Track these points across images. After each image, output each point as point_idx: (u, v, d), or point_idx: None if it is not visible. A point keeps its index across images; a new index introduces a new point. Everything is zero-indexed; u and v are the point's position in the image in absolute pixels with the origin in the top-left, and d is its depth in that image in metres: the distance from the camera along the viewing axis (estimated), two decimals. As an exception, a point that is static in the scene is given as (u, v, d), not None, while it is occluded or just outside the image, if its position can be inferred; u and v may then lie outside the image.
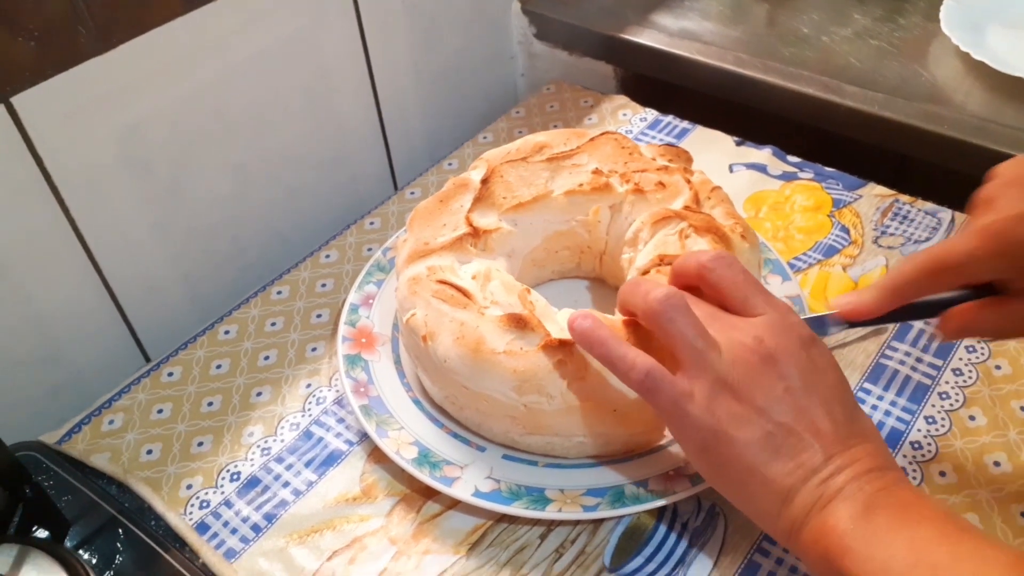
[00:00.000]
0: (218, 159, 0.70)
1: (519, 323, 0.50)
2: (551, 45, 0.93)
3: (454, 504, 0.52)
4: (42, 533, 0.52)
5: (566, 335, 0.49)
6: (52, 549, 0.49)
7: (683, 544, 0.50)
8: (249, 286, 0.70)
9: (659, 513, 0.52)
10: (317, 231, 0.76)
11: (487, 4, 0.90)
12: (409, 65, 0.83)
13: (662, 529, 0.51)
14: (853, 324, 0.49)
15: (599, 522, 0.51)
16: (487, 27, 0.91)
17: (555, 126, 0.84)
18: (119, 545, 0.52)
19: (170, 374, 0.63)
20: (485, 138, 0.84)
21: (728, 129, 0.80)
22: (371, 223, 0.74)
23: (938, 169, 0.72)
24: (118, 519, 0.53)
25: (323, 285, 0.69)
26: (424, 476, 0.51)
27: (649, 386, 0.44)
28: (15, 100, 0.55)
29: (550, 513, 0.49)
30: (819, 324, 0.51)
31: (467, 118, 0.92)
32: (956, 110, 0.72)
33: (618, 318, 0.50)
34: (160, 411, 0.60)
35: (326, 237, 0.74)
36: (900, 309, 0.48)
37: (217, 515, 0.54)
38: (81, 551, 0.51)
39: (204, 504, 0.54)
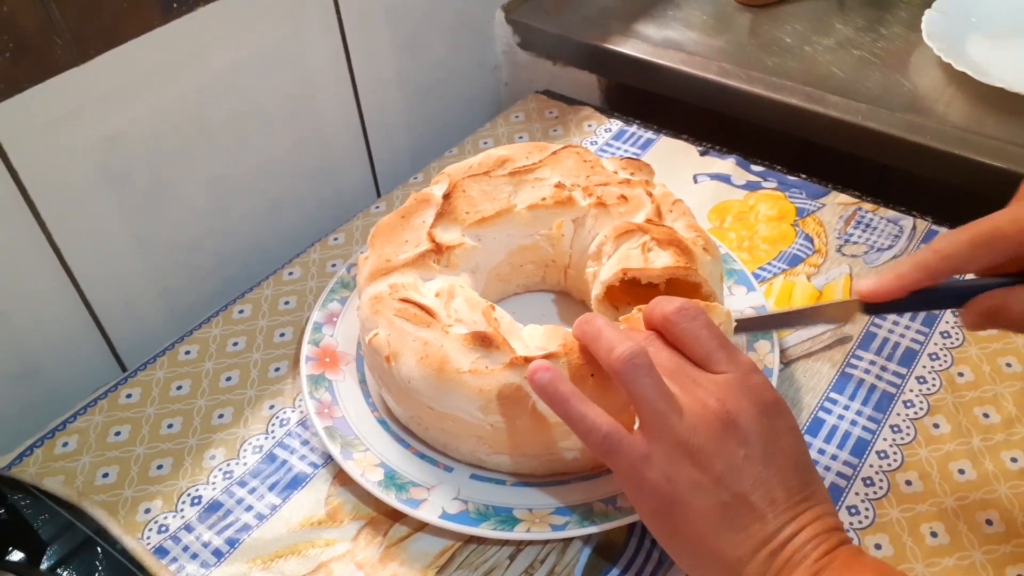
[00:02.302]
0: (198, 171, 0.69)
1: (484, 341, 0.49)
2: (535, 55, 0.93)
3: (422, 526, 0.52)
4: (18, 555, 0.51)
5: (532, 352, 0.49)
6: (27, 573, 0.48)
7: (653, 560, 0.50)
8: (230, 300, 0.69)
9: (629, 530, 0.51)
10: (299, 243, 0.75)
11: (471, 13, 0.90)
12: (392, 75, 0.83)
13: (632, 546, 0.51)
14: (880, 310, 0.46)
15: (569, 541, 0.51)
16: (471, 36, 0.91)
17: (520, 137, 0.84)
18: (98, 564, 0.51)
19: (128, 396, 0.61)
20: (450, 151, 0.83)
21: (710, 139, 0.81)
22: (335, 239, 0.73)
23: (920, 179, 0.73)
24: (95, 540, 0.52)
25: (286, 303, 0.67)
26: (390, 499, 0.51)
27: (607, 448, 0.44)
28: (-11, 113, 0.54)
29: (518, 533, 0.49)
30: (841, 310, 0.49)
31: (451, 128, 0.92)
32: (938, 120, 0.73)
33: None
34: (117, 433, 0.59)
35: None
36: (928, 293, 0.45)
37: (176, 539, 0.52)
38: (58, 572, 0.50)
39: (163, 528, 0.53)
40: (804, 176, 0.76)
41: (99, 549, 0.52)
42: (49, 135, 0.58)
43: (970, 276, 0.46)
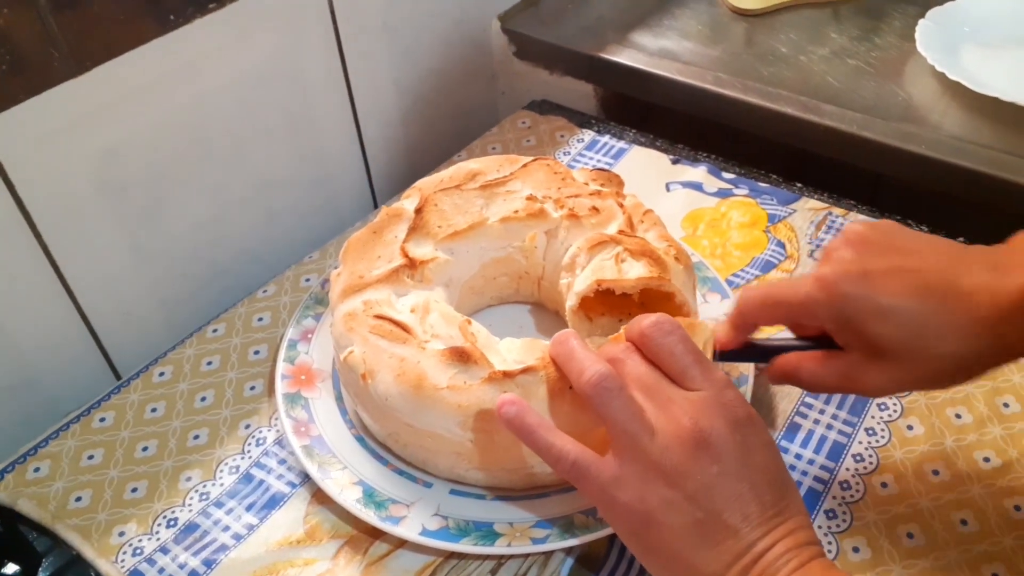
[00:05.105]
0: (196, 182, 0.69)
1: (461, 356, 0.49)
2: (531, 64, 0.93)
3: (402, 543, 0.51)
4: (13, 568, 0.51)
5: (510, 366, 0.49)
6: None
7: (635, 570, 0.50)
8: (225, 310, 0.68)
9: (610, 541, 0.51)
10: (296, 253, 0.75)
11: (467, 23, 0.90)
12: (389, 85, 0.83)
13: (613, 556, 0.51)
14: (724, 359, 0.51)
15: (550, 553, 0.51)
16: (467, 46, 0.91)
17: (493, 149, 0.84)
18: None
19: (102, 419, 0.60)
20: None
21: (705, 148, 0.81)
22: (309, 255, 0.73)
23: (915, 188, 0.73)
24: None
25: (259, 319, 0.67)
26: (369, 516, 0.50)
27: (576, 475, 0.44)
28: (-14, 125, 0.54)
29: (499, 548, 0.49)
30: None
31: (448, 137, 0.92)
32: (932, 129, 0.73)
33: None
34: (91, 457, 0.58)
35: (304, 260, 0.73)
36: (749, 348, 0.50)
37: (152, 562, 0.52)
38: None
39: (137, 551, 0.52)
40: (775, 177, 0.77)
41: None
42: (46, 147, 0.58)
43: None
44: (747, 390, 0.56)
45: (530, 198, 0.60)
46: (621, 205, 0.59)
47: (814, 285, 0.45)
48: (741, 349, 0.50)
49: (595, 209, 0.58)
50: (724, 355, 0.50)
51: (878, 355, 0.44)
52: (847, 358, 0.46)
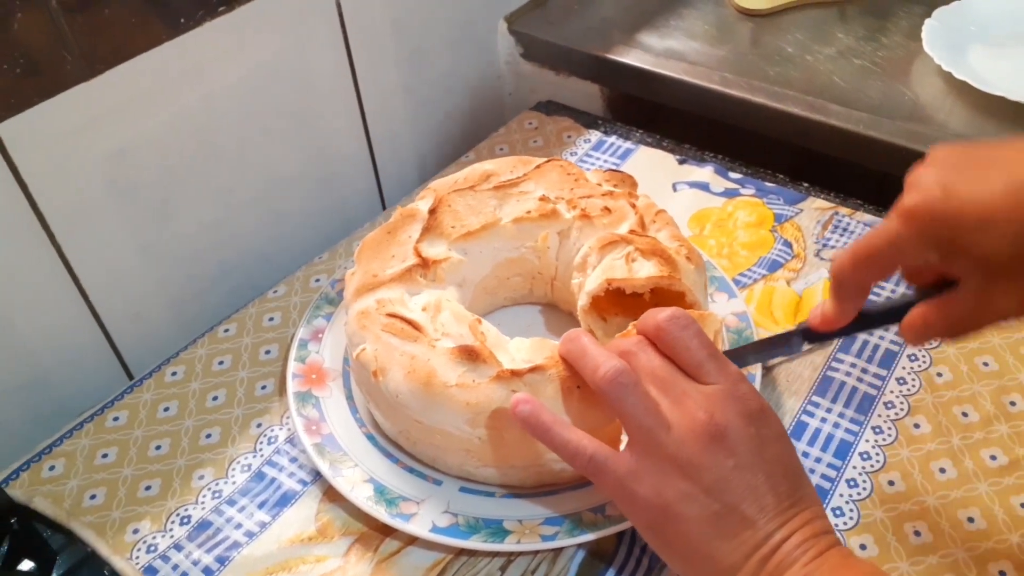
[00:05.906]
0: (205, 184, 0.69)
1: (470, 355, 0.50)
2: (538, 65, 0.93)
3: (412, 540, 0.52)
4: (29, 565, 0.51)
5: (518, 365, 0.49)
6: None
7: (643, 567, 0.50)
8: (235, 311, 0.69)
9: (619, 537, 0.52)
10: (305, 254, 0.75)
11: (474, 24, 0.90)
12: (397, 86, 0.83)
13: (622, 553, 0.51)
14: (822, 338, 0.48)
15: (560, 550, 0.51)
16: (474, 47, 0.92)
17: (500, 149, 0.84)
18: (106, 573, 0.51)
19: (115, 419, 0.61)
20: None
21: (711, 147, 0.81)
22: (318, 256, 0.74)
23: None
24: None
25: (270, 319, 0.68)
26: (380, 514, 0.51)
27: (593, 470, 0.44)
28: (0, 127, 0.54)
29: (509, 545, 0.49)
30: (788, 342, 0.51)
31: (455, 138, 0.93)
32: (939, 129, 0.74)
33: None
34: (105, 456, 0.58)
35: (314, 260, 0.73)
36: (859, 319, 0.47)
37: (166, 558, 0.52)
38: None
39: (151, 548, 0.53)
40: (782, 176, 0.78)
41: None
42: (59, 149, 0.58)
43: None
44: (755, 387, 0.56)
45: (543, 199, 0.60)
46: (633, 205, 0.59)
47: (901, 219, 0.41)
48: (855, 322, 0.47)
49: (607, 209, 0.59)
50: (840, 332, 0.47)
51: (997, 273, 0.40)
52: (968, 288, 0.41)
